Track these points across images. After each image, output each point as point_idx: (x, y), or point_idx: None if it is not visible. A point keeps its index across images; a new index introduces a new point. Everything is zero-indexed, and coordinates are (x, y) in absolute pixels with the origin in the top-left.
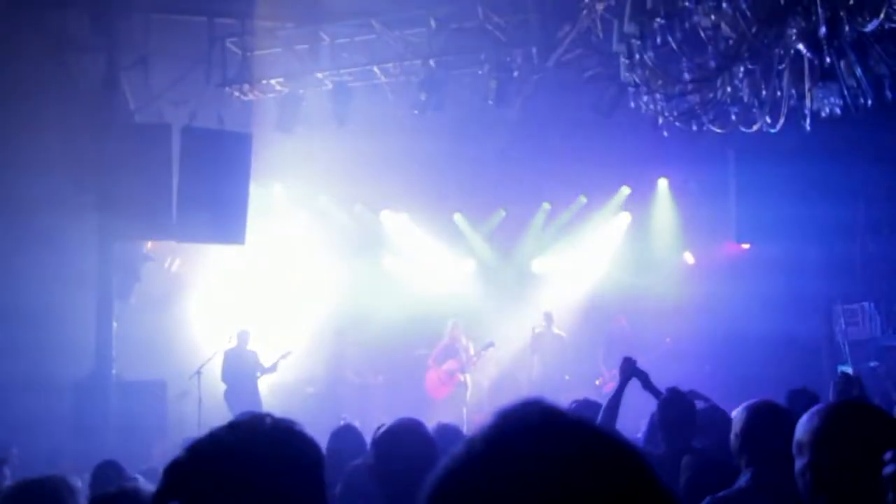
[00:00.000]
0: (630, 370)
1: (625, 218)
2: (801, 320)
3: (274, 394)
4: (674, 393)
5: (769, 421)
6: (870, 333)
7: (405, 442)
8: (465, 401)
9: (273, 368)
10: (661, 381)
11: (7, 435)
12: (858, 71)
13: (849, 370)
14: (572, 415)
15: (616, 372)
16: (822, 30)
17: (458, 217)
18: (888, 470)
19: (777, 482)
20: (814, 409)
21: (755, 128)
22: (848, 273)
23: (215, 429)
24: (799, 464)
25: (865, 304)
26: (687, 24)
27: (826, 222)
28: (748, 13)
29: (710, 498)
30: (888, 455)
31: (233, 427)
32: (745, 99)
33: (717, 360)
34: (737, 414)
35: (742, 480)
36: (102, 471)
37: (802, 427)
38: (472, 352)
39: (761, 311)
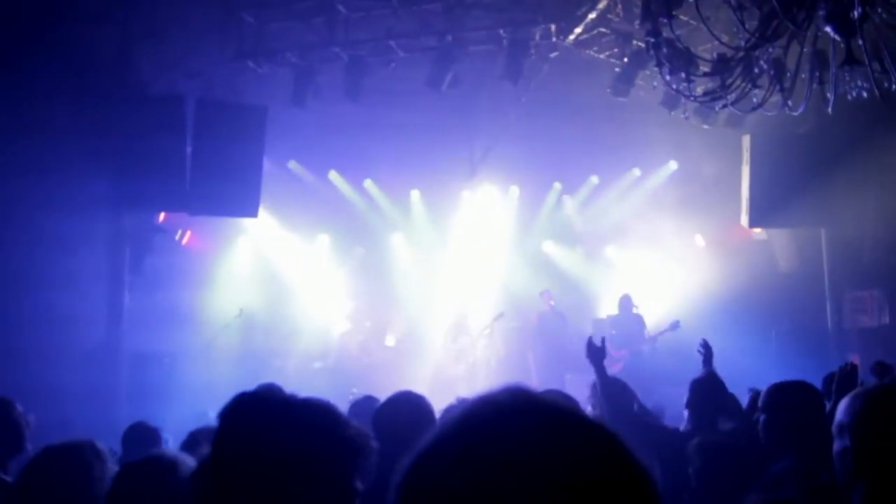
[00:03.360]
0: (598, 353)
1: (634, 199)
2: (809, 306)
3: (282, 369)
4: (707, 375)
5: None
6: (878, 321)
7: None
8: (475, 378)
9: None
10: (668, 363)
11: (21, 403)
12: (886, 54)
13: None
14: (549, 400)
15: (624, 352)
16: (857, 11)
17: (467, 194)
18: None
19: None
20: (856, 391)
21: (776, 112)
22: (857, 260)
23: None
24: (838, 446)
25: (874, 291)
26: (717, 8)
27: (837, 209)
28: None
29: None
30: None
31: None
32: (769, 81)
33: (724, 343)
34: (772, 394)
35: (781, 466)
36: (134, 433)
37: (844, 409)
38: (482, 329)
39: (769, 295)
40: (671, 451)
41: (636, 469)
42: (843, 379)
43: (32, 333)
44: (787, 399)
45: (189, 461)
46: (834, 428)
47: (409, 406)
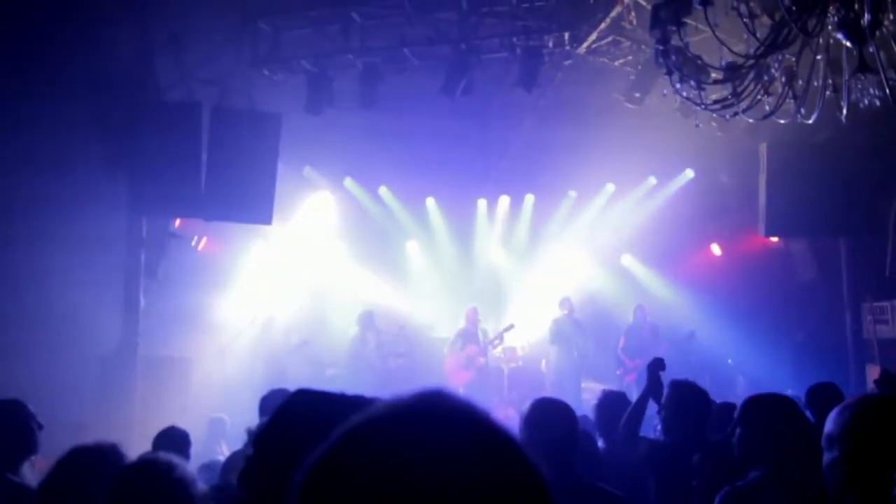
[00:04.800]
0: (657, 374)
1: (650, 207)
2: (828, 316)
3: (296, 375)
4: (685, 383)
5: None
6: None
7: None
8: (487, 385)
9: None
10: (684, 373)
11: (36, 405)
12: None
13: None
14: (457, 404)
15: (638, 361)
16: (867, 17)
17: (482, 202)
18: None
19: (794, 478)
20: (844, 402)
21: (788, 119)
22: (878, 269)
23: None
24: (828, 458)
25: (895, 301)
26: (726, 14)
27: (856, 217)
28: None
29: (728, 487)
30: None
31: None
32: (780, 89)
33: (740, 354)
34: (748, 408)
35: (757, 473)
36: (165, 438)
37: (833, 421)
38: (490, 335)
39: (787, 305)
40: (668, 463)
41: (533, 481)
42: (888, 385)
43: (48, 336)
44: (764, 413)
45: (184, 464)
46: (823, 440)
47: None
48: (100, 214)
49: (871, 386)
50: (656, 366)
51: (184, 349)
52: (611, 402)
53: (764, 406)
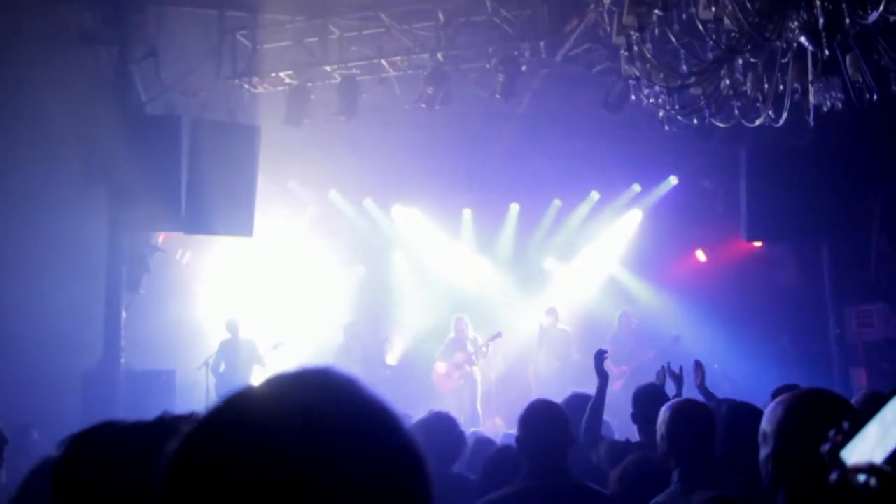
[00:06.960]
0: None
1: (636, 215)
2: (812, 320)
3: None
4: (651, 387)
5: (692, 420)
6: (884, 335)
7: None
8: (474, 394)
9: (262, 361)
10: (670, 379)
11: (21, 422)
12: (863, 65)
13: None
14: (349, 382)
15: (624, 368)
16: (821, 22)
17: (467, 212)
18: (824, 448)
19: (705, 483)
20: (779, 398)
21: (758, 122)
22: (862, 273)
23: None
24: (763, 453)
25: (880, 305)
26: (684, 16)
27: (839, 221)
28: (748, 5)
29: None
30: (831, 432)
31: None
32: (749, 93)
33: (725, 358)
34: (661, 414)
35: (671, 485)
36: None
37: (767, 417)
38: (480, 342)
39: (771, 310)
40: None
41: (408, 456)
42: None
43: (30, 353)
44: (671, 416)
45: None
46: (759, 436)
47: (442, 428)
48: (81, 229)
49: (855, 389)
50: (601, 357)
51: (168, 362)
52: (576, 404)
53: (672, 409)
